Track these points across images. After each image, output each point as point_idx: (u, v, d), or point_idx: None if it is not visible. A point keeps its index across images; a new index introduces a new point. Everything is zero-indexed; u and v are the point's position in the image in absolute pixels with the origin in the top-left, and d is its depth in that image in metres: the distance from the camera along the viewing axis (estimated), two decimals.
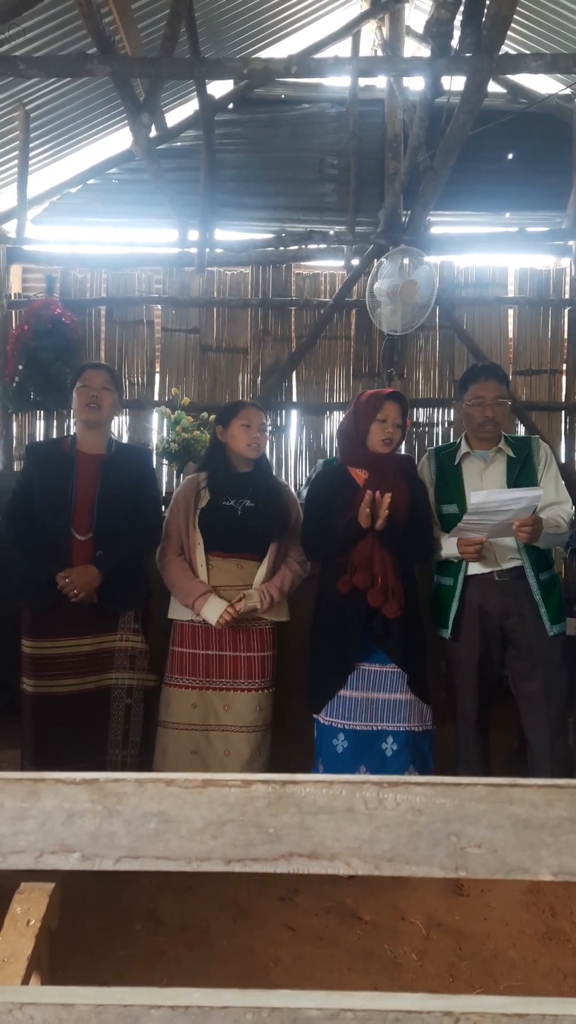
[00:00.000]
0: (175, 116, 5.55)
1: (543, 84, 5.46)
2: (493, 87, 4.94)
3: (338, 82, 5.40)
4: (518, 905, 2.54)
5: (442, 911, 2.51)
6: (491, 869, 0.77)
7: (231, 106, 5.49)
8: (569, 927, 2.44)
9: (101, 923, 2.38)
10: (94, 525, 2.73)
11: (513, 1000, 0.75)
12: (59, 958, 1.85)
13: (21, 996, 0.79)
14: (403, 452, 4.13)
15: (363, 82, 5.38)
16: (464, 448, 2.94)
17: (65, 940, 2.09)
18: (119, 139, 5.54)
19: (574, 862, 0.76)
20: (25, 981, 1.18)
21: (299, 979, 2.16)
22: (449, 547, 2.79)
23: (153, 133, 4.73)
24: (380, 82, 5.46)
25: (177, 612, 2.86)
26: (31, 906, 1.31)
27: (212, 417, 3.83)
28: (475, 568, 2.82)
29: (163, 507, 3.08)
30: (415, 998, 0.75)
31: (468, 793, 0.77)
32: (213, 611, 2.73)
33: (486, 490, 2.70)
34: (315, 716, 2.78)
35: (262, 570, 2.83)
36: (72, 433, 2.97)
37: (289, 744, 2.97)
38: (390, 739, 2.71)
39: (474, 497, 2.60)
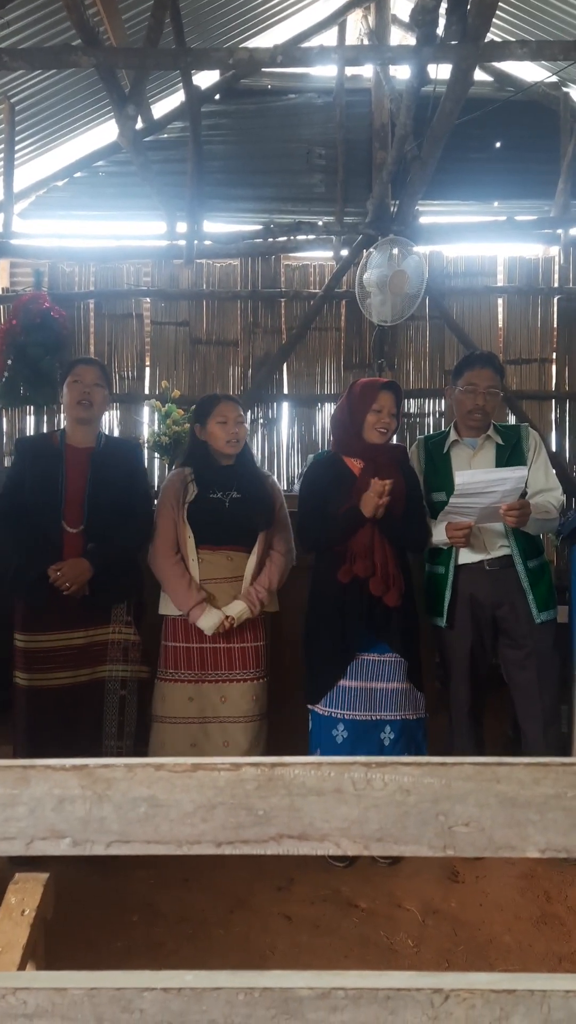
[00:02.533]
0: (161, 108, 5.52)
1: (529, 72, 5.45)
2: (479, 75, 4.93)
3: (324, 72, 5.38)
4: (513, 890, 2.57)
5: (438, 898, 2.53)
6: (479, 847, 0.78)
7: (217, 97, 5.47)
8: (563, 911, 2.46)
9: (99, 915, 2.39)
10: (85, 518, 2.74)
11: (501, 976, 0.76)
12: (58, 950, 1.86)
13: (14, 981, 0.79)
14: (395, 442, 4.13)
15: (349, 72, 5.36)
16: (453, 436, 2.95)
17: (64, 933, 2.10)
18: (105, 131, 5.51)
19: (561, 839, 0.77)
20: (21, 969, 1.18)
21: (296, 967, 2.16)
22: (438, 533, 2.80)
23: (139, 125, 4.70)
24: (367, 71, 5.44)
25: (168, 607, 2.86)
26: (25, 896, 1.31)
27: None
28: (466, 557, 2.83)
29: (153, 501, 3.07)
30: (405, 976, 0.76)
31: (455, 772, 0.78)
32: (210, 623, 2.75)
33: (471, 470, 2.71)
34: (312, 707, 2.79)
35: (251, 561, 2.85)
36: (61, 427, 2.96)
37: (284, 734, 2.98)
38: (388, 728, 2.72)
39: (458, 477, 2.61)
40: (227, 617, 2.77)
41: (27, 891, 1.34)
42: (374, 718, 2.71)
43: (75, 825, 0.80)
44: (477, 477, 2.59)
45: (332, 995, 0.76)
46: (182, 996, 0.77)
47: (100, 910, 2.42)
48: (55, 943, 1.67)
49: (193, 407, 3.14)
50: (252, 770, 0.79)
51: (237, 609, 2.78)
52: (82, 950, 2.20)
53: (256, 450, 5.43)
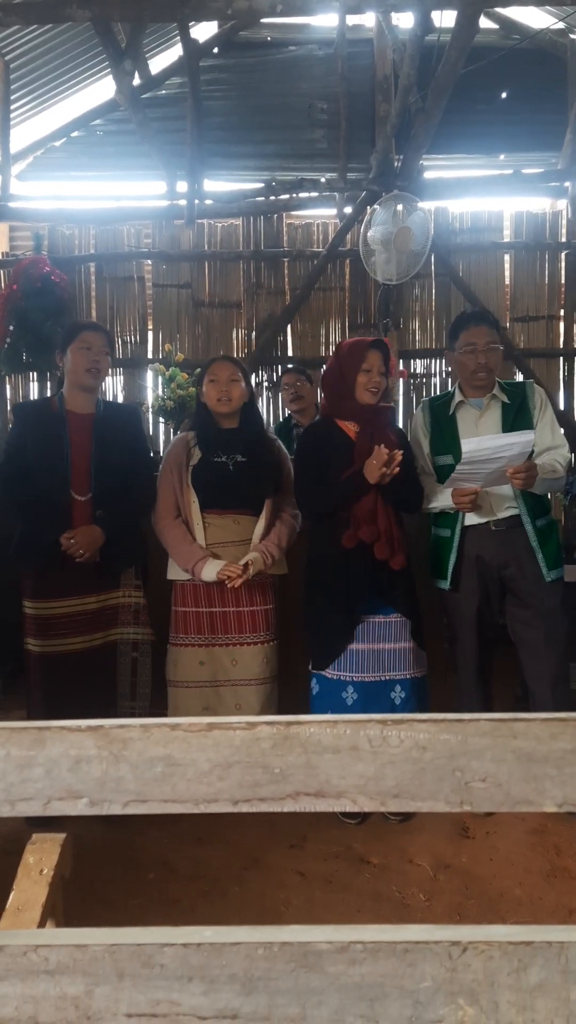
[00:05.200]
0: (159, 63, 5.40)
1: (536, 18, 5.30)
2: (485, 22, 4.79)
3: (325, 22, 5.24)
4: (523, 845, 2.59)
5: (449, 853, 2.56)
6: (496, 803, 0.78)
7: (216, 50, 5.34)
8: (573, 865, 2.49)
9: (116, 874, 2.43)
10: (92, 485, 2.73)
11: (519, 929, 0.77)
12: (75, 908, 1.89)
13: (36, 939, 0.80)
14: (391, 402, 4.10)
15: (351, 21, 5.22)
16: (458, 397, 2.91)
17: (81, 891, 2.14)
18: (102, 89, 5.40)
19: None
20: (40, 927, 1.20)
21: (310, 922, 2.19)
22: (444, 498, 2.78)
23: (137, 81, 4.61)
24: (368, 20, 5.30)
25: (176, 573, 2.87)
26: (43, 856, 1.33)
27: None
28: (472, 519, 2.81)
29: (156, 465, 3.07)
30: (422, 929, 0.77)
31: (472, 729, 0.77)
32: (210, 572, 2.74)
33: (477, 437, 2.67)
34: (316, 672, 2.80)
35: (260, 524, 2.84)
36: (59, 392, 2.91)
37: (290, 696, 3.00)
38: (399, 687, 2.74)
39: (465, 445, 2.58)
40: (247, 563, 2.74)
41: (45, 851, 1.36)
42: (383, 678, 2.73)
43: (92, 785, 0.80)
44: (484, 444, 2.56)
45: (351, 949, 0.76)
46: (202, 951, 0.77)
47: (116, 869, 2.46)
48: (73, 901, 1.70)
49: (198, 369, 3.12)
50: (268, 729, 0.79)
51: (253, 556, 2.77)
52: (99, 908, 2.24)
53: (262, 413, 5.39)
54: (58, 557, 2.67)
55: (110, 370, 5.25)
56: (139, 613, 2.83)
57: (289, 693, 3.00)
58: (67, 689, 2.72)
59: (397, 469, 2.61)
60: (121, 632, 2.81)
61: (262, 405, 5.41)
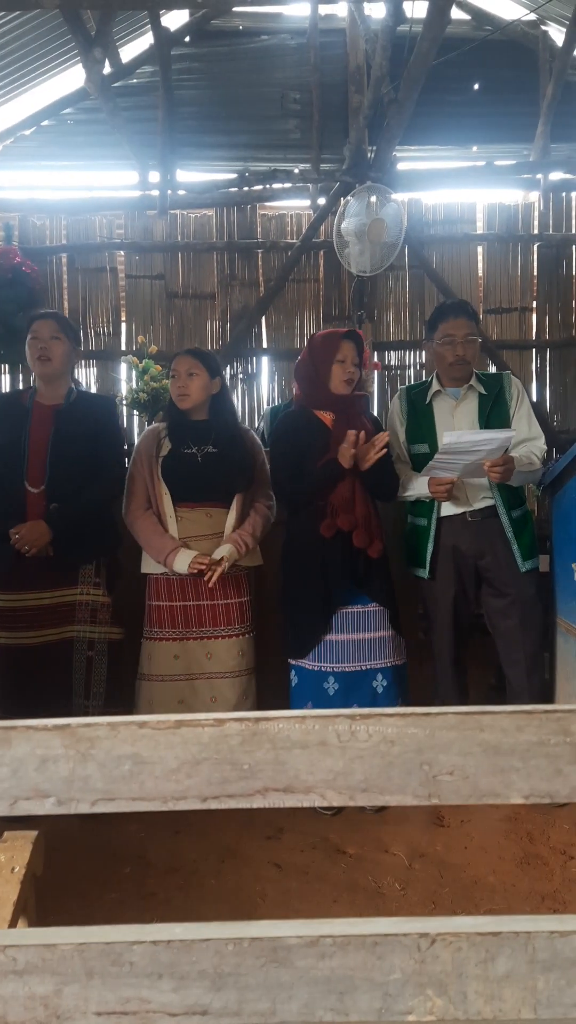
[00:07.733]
0: (129, 51, 5.33)
1: (508, 9, 5.30)
2: (456, 13, 4.77)
3: (298, 11, 5.20)
4: (497, 833, 2.62)
5: (424, 842, 2.58)
6: (463, 795, 0.78)
7: (187, 39, 5.28)
8: (546, 852, 2.52)
9: (91, 869, 2.43)
10: (46, 477, 2.70)
11: (486, 919, 0.77)
12: (51, 904, 1.88)
13: (4, 939, 0.79)
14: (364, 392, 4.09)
15: (323, 11, 5.18)
16: (435, 387, 2.92)
17: (56, 887, 2.12)
18: (72, 77, 5.33)
19: (544, 784, 0.78)
20: (12, 926, 1.20)
21: (286, 913, 2.22)
22: (420, 487, 2.79)
23: (107, 69, 4.55)
24: (341, 10, 5.26)
25: (150, 566, 2.85)
26: (15, 854, 1.32)
27: None
28: (448, 509, 2.83)
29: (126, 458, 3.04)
30: (391, 922, 0.77)
31: (439, 722, 0.78)
32: (183, 563, 2.73)
33: (458, 430, 2.69)
34: (295, 663, 2.80)
35: (231, 518, 2.84)
36: (33, 385, 2.92)
37: (267, 687, 3.00)
38: (379, 676, 2.76)
39: (446, 437, 2.59)
40: (220, 559, 2.73)
41: (16, 849, 1.35)
42: (364, 668, 2.74)
43: (59, 784, 0.79)
44: (464, 438, 2.58)
45: (320, 942, 0.77)
46: (171, 948, 0.77)
47: (92, 863, 2.45)
48: (47, 898, 1.69)
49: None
50: (236, 725, 0.79)
51: (227, 549, 2.76)
52: (75, 903, 2.23)
53: (236, 405, 5.38)
54: (11, 550, 2.65)
55: (83, 361, 5.22)
56: (97, 611, 2.79)
57: (266, 684, 3.00)
58: (24, 684, 2.70)
59: (385, 451, 2.62)
60: (76, 630, 2.77)
61: (236, 397, 5.39)
